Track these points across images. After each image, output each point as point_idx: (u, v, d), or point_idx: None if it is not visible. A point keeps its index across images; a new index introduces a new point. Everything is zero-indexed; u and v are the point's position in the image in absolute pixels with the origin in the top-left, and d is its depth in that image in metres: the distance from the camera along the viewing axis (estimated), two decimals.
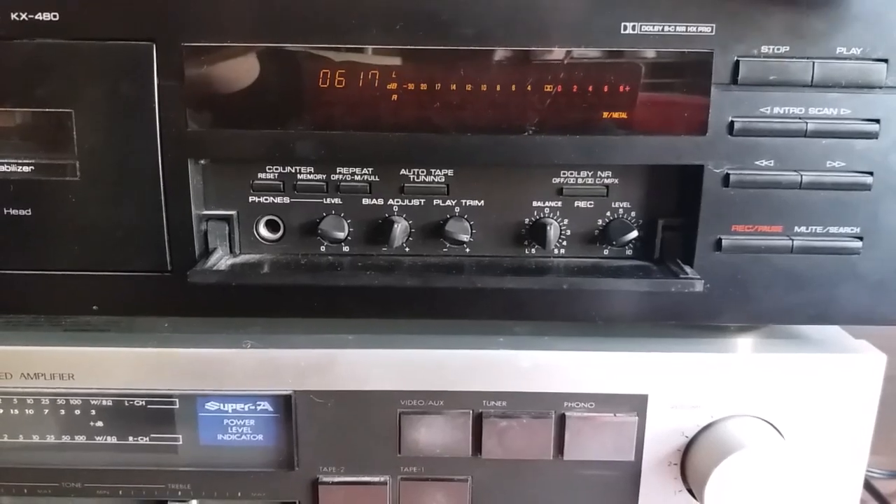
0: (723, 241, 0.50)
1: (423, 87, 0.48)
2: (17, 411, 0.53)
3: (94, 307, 0.51)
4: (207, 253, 0.51)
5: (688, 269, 0.50)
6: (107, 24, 0.47)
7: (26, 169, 0.49)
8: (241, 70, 0.47)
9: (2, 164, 0.48)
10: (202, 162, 0.50)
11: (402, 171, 0.52)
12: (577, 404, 0.52)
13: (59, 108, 0.48)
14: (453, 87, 0.48)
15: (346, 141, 0.48)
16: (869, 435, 0.53)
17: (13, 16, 0.46)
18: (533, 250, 0.53)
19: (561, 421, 0.52)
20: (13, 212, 0.49)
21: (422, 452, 0.53)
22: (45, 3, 0.46)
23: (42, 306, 0.52)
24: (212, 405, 0.53)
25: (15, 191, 0.49)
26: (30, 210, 0.49)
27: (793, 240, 0.50)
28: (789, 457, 0.49)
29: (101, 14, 0.46)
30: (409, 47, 0.47)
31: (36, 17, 0.46)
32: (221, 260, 0.51)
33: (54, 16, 0.46)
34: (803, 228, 0.50)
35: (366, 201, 0.52)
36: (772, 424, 0.53)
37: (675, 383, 0.52)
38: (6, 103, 0.48)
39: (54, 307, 0.52)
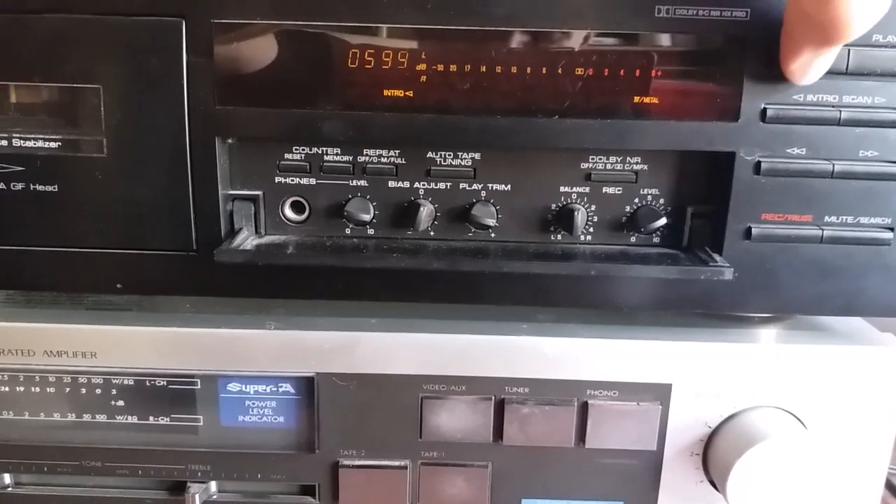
0: (752, 229, 0.49)
1: (453, 68, 0.47)
2: (38, 389, 0.53)
3: (119, 286, 0.51)
4: (233, 233, 0.51)
5: (717, 256, 0.49)
6: None
7: (53, 145, 0.48)
8: (271, 48, 0.47)
9: (29, 139, 0.48)
10: (229, 141, 0.50)
11: (429, 154, 0.51)
12: (601, 392, 0.52)
13: (87, 83, 0.47)
14: (483, 68, 0.47)
15: (373, 122, 0.48)
16: (893, 428, 0.53)
17: None
18: (559, 236, 0.53)
19: (583, 409, 0.52)
20: (39, 187, 0.49)
21: (443, 437, 0.53)
22: None
23: (66, 284, 0.52)
24: (233, 386, 0.53)
25: (41, 166, 0.49)
26: (56, 186, 0.49)
27: (823, 229, 0.49)
28: (812, 448, 0.49)
29: None
30: (438, 27, 0.46)
31: None
32: (247, 240, 0.51)
33: None
34: (834, 218, 0.49)
35: (392, 184, 0.52)
36: (795, 416, 0.52)
37: (699, 373, 0.52)
38: (34, 78, 0.47)
39: (78, 285, 0.52)
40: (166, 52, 0.47)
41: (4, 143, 0.49)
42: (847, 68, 0.46)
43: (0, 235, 0.50)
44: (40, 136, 0.48)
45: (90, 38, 0.47)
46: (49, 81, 0.48)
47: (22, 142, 0.48)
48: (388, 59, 0.47)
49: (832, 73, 0.46)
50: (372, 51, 0.47)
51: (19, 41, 0.47)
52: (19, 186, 0.49)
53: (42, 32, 0.47)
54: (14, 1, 0.46)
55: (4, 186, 0.49)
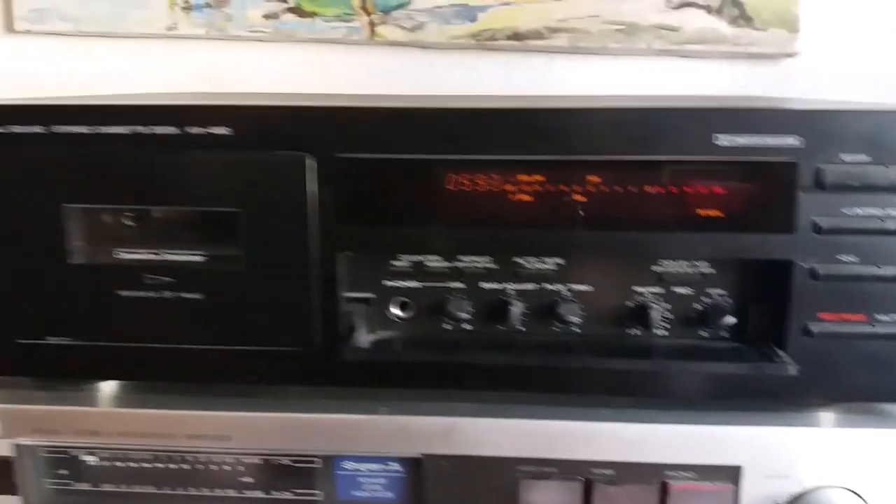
0: (811, 327, 0.55)
1: (539, 189, 0.55)
2: (178, 466, 0.61)
3: (254, 377, 0.59)
4: (350, 331, 0.58)
5: (780, 352, 0.55)
6: (270, 136, 0.55)
7: (200, 259, 0.57)
8: (383, 176, 0.55)
9: (181, 254, 0.57)
10: (347, 253, 0.57)
11: (517, 259, 0.58)
12: (678, 473, 0.57)
13: (228, 207, 0.56)
14: (563, 188, 0.54)
15: (468, 235, 0.56)
16: None
17: (189, 129, 0.55)
18: (637, 331, 0.59)
19: (663, 489, 0.57)
20: (188, 296, 0.57)
21: None
22: (220, 118, 0.55)
23: (210, 375, 0.60)
24: (348, 464, 0.60)
25: (190, 278, 0.57)
26: (202, 294, 0.57)
27: (875, 327, 0.55)
28: None
29: (267, 128, 0.55)
30: (526, 158, 0.54)
31: (210, 131, 0.55)
32: (363, 337, 0.58)
33: (228, 130, 0.55)
34: (885, 317, 0.55)
35: (485, 285, 0.59)
36: (858, 495, 0.57)
37: (767, 455, 0.56)
38: (186, 203, 0.57)
39: (220, 376, 0.60)
40: (295, 181, 0.55)
41: (155, 257, 0.57)
42: (889, 184, 0.52)
43: (153, 335, 0.59)
44: (189, 252, 0.57)
45: (232, 169, 0.55)
46: (197, 206, 0.57)
47: (173, 256, 0.57)
48: (481, 183, 0.55)
49: (876, 189, 0.52)
50: (467, 176, 0.55)
51: (172, 172, 0.56)
52: (169, 295, 0.58)
53: (191, 165, 0.56)
54: (164, 140, 0.55)
55: (156, 294, 0.58)
